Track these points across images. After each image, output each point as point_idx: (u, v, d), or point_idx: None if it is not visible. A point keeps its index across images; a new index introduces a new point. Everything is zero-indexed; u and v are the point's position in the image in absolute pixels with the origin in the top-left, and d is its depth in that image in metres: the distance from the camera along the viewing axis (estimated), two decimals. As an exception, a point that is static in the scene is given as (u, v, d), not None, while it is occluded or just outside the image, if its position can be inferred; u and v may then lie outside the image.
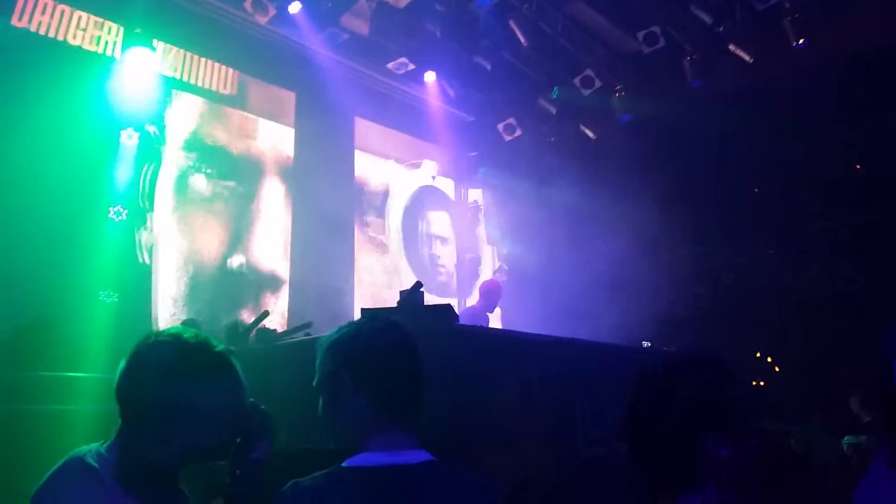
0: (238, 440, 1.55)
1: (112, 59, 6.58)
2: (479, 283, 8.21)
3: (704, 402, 1.39)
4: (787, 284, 9.47)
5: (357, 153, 9.01)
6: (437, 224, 9.80)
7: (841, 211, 9.18)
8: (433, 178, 9.78)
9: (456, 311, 3.38)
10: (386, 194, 9.23)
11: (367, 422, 1.50)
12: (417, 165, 9.66)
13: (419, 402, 1.56)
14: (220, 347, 1.52)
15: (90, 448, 1.47)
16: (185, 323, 5.14)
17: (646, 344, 5.79)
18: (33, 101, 5.77)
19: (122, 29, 6.64)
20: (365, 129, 9.16)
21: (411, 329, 1.63)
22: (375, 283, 8.75)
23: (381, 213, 9.13)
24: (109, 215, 6.25)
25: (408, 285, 3.14)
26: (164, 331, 1.50)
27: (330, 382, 1.54)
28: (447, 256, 9.71)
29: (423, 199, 9.66)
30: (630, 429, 1.43)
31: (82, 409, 4.73)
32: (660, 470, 1.39)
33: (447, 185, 10.11)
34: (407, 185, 9.51)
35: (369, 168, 9.16)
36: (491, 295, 6.52)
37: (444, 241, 9.75)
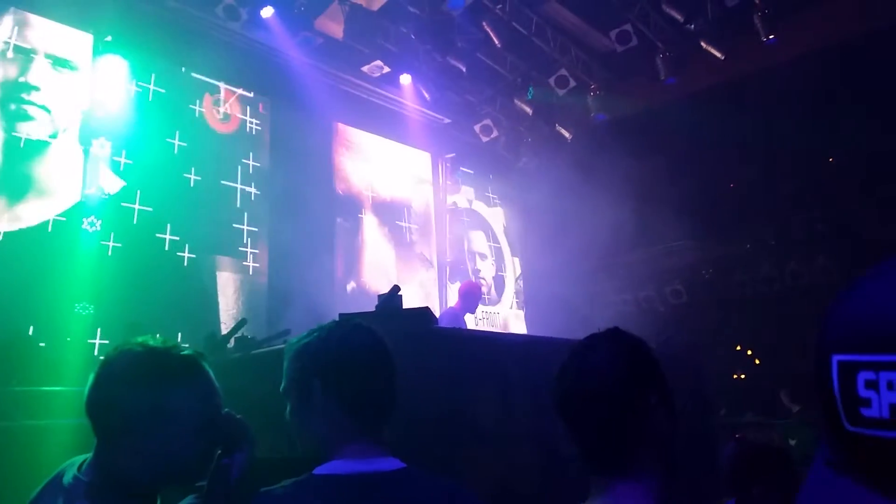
0: (218, 451, 1.50)
1: (84, 66, 6.51)
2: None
3: (652, 376, 1.37)
4: (767, 277, 9.57)
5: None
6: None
7: (816, 203, 9.31)
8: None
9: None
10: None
11: (336, 429, 1.46)
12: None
13: (390, 409, 1.53)
14: (188, 351, 1.48)
15: (74, 463, 1.43)
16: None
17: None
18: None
19: (91, 37, 6.57)
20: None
21: (389, 332, 1.60)
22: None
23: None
24: (83, 226, 6.17)
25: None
26: (131, 339, 1.46)
27: (298, 388, 1.50)
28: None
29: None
30: (575, 406, 1.38)
31: (58, 424, 4.66)
32: (604, 450, 1.35)
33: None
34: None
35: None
36: (470, 296, 6.50)
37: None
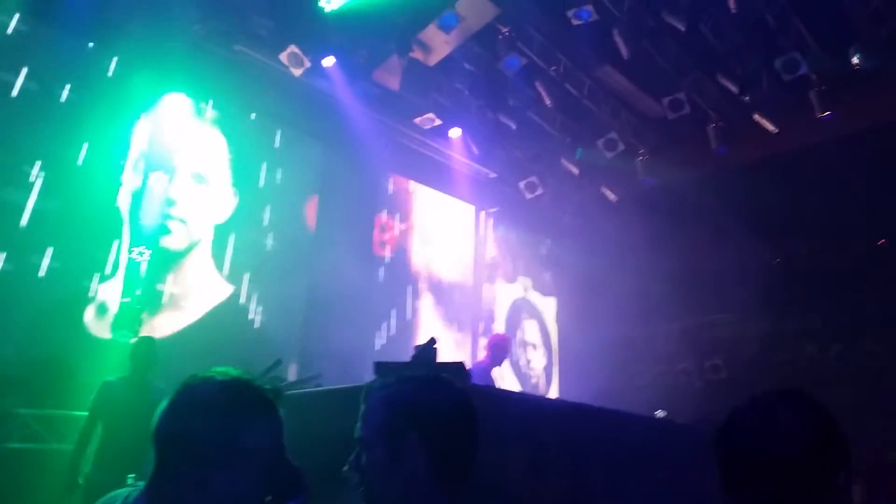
0: (269, 498, 1.44)
1: (148, 102, 6.76)
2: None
3: (843, 451, 1.22)
4: (811, 359, 9.26)
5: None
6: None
7: (864, 284, 9.04)
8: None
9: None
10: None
11: (420, 486, 1.40)
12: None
13: (472, 470, 1.47)
14: (268, 387, 1.43)
15: (117, 497, 1.38)
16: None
17: (659, 412, 5.67)
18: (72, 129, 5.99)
19: (157, 74, 6.82)
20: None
21: None
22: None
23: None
24: (132, 255, 6.31)
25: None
26: (210, 369, 1.41)
27: (388, 439, 1.43)
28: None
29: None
30: (746, 469, 1.21)
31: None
32: None
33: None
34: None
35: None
36: (499, 349, 6.38)
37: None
